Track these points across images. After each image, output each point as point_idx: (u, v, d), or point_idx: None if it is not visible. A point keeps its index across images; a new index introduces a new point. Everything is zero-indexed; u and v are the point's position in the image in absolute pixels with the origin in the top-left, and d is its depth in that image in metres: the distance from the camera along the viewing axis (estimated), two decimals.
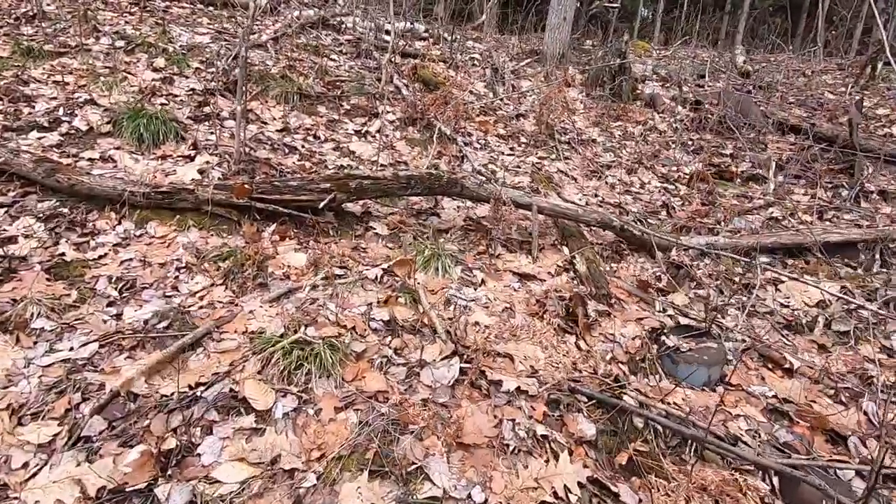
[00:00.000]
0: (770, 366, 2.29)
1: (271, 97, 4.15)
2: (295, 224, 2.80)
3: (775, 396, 2.07)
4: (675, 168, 4.79)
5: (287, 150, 3.55)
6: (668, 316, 2.60)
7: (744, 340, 2.37)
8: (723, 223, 3.67)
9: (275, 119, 3.90)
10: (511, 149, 4.66)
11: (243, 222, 2.70)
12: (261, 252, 2.51)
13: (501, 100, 5.62)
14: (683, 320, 2.56)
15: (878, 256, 3.15)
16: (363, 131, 4.13)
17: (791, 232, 3.19)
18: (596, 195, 4.04)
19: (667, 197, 4.21)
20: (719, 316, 2.53)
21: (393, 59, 5.21)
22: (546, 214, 3.08)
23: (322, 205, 2.75)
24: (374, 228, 2.97)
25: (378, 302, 2.32)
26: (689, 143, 5.34)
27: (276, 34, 5.38)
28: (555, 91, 5.22)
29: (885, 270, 3.09)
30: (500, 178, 3.74)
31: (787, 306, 2.76)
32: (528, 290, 2.66)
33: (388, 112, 4.51)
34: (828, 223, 3.97)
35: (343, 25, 6.16)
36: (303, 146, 3.67)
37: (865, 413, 1.97)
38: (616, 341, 2.29)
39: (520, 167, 4.27)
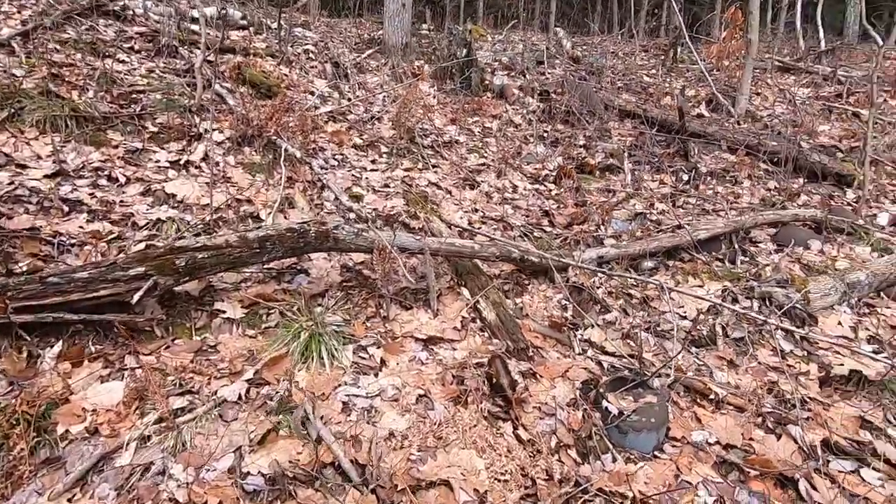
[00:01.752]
0: (697, 398, 2.20)
1: (28, 124, 2.92)
2: (96, 333, 1.91)
3: (718, 442, 1.96)
4: (539, 165, 4.71)
5: (67, 209, 2.49)
6: (590, 358, 2.38)
7: (667, 375, 2.25)
8: (602, 227, 3.63)
9: (40, 159, 2.74)
10: (373, 161, 4.08)
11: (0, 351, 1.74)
12: (40, 398, 1.62)
13: (350, 101, 4.95)
14: (606, 359, 2.36)
15: (737, 247, 3.37)
16: (182, 161, 3.16)
17: (669, 234, 3.25)
18: (476, 209, 3.72)
19: (541, 201, 4.08)
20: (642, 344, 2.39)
21: (208, 57, 4.17)
22: (440, 256, 2.63)
23: (137, 297, 1.90)
24: (223, 311, 2.20)
25: (251, 443, 1.64)
26: (545, 135, 5.34)
27: (26, 26, 3.90)
28: (411, 91, 4.73)
29: (746, 259, 3.31)
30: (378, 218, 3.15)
31: (684, 317, 2.76)
32: (439, 362, 2.19)
33: (215, 130, 3.56)
34: (680, 209, 4.24)
35: (129, 12, 4.79)
36: (92, 197, 2.62)
37: (795, 441, 1.96)
38: (555, 414, 1.97)
39: (388, 185, 3.73)
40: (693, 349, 2.53)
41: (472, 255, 2.66)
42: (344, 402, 1.89)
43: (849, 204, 4.46)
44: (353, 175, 3.74)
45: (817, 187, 4.73)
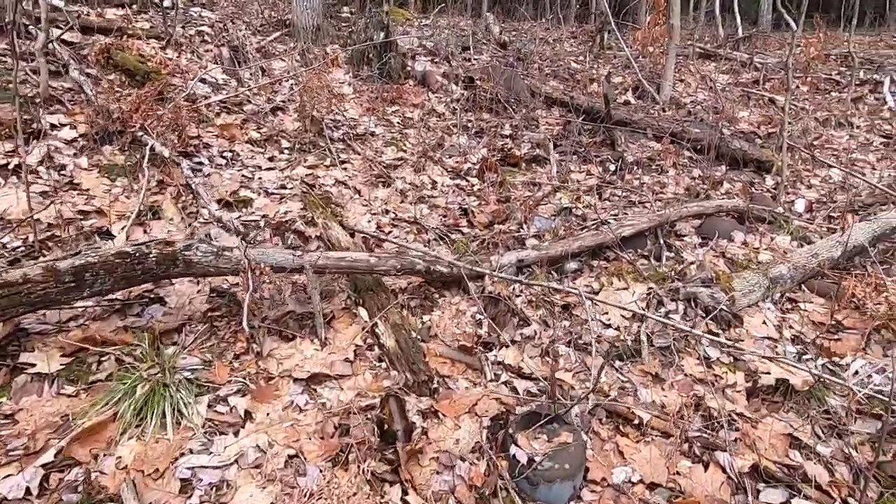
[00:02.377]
0: (621, 424, 1.95)
1: None
2: None
3: (641, 481, 1.72)
4: (461, 158, 4.38)
5: None
6: (504, 384, 2.08)
7: (587, 399, 1.99)
8: (525, 225, 3.35)
9: None
10: (271, 159, 3.59)
11: None
12: None
13: (249, 90, 4.39)
14: (522, 384, 2.07)
15: (662, 242, 3.20)
16: (10, 166, 2.56)
17: (592, 233, 3.01)
18: (387, 211, 3.33)
19: (462, 197, 3.75)
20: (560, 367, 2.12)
21: (55, 39, 3.49)
22: (329, 272, 2.23)
23: None
24: (33, 364, 1.70)
25: None
26: (469, 125, 5.02)
27: None
28: (316, 75, 4.23)
29: (671, 255, 3.15)
30: (252, 233, 2.69)
31: (608, 325, 2.53)
32: (321, 407, 1.81)
33: (64, 126, 2.95)
34: (607, 202, 4.06)
35: None
36: None
37: (724, 470, 1.76)
38: (454, 467, 1.64)
39: (286, 186, 3.27)
40: (617, 363, 2.30)
41: (369, 269, 2.28)
42: (185, 479, 1.47)
43: (768, 191, 4.46)
44: (243, 175, 3.25)
45: (739, 174, 4.72)
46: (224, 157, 3.38)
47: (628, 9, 10.55)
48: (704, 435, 1.88)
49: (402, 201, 3.50)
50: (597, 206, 3.92)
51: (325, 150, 3.88)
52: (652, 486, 1.70)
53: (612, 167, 4.57)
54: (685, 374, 2.23)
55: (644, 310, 2.55)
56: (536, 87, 5.79)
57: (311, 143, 3.91)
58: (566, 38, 8.93)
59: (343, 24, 6.67)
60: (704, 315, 2.55)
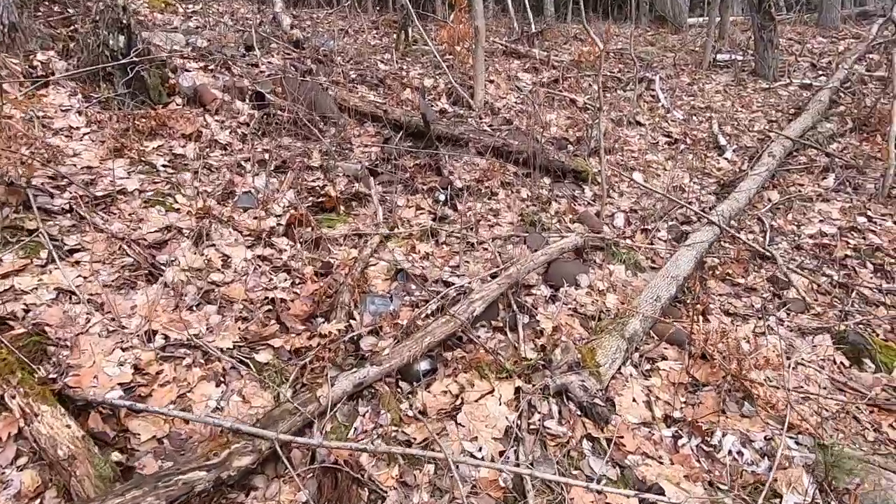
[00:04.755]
0: None
1: None
2: None
3: None
4: (261, 211, 3.42)
5: None
6: None
7: None
8: (356, 313, 2.63)
9: None
10: None
11: None
12: None
13: None
14: None
15: (514, 305, 2.82)
16: None
17: (443, 321, 2.44)
18: (152, 334, 2.26)
19: (267, 279, 2.85)
20: None
21: None
22: None
23: None
24: None
25: None
26: (267, 157, 4.01)
27: None
28: (15, 103, 2.77)
29: (525, 318, 2.78)
30: None
31: (480, 459, 2.01)
32: None
33: None
34: (444, 247, 3.56)
35: None
36: None
37: None
38: None
39: None
40: None
41: None
42: None
43: (590, 204, 4.50)
44: None
45: (561, 187, 4.68)
46: None
47: None
48: None
49: (177, 307, 2.45)
50: (436, 256, 3.40)
51: (34, 236, 2.55)
52: None
53: (442, 197, 4.09)
54: None
55: (517, 427, 2.10)
56: (344, 99, 4.97)
57: (8, 229, 2.54)
58: (368, 30, 8.17)
59: (60, 20, 4.83)
60: (581, 413, 2.21)
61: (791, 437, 2.19)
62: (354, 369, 2.15)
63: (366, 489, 1.82)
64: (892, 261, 3.92)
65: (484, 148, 4.62)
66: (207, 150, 3.92)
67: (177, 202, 3.25)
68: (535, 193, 4.36)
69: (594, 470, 2.01)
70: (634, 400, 2.35)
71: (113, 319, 2.27)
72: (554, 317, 2.79)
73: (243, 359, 2.24)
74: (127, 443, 1.78)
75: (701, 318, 2.90)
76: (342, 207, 3.75)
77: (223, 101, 4.45)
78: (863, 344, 2.86)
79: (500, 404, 2.19)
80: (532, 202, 4.29)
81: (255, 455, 1.66)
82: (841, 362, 2.82)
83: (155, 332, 2.27)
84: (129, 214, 3.01)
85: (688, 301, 3.13)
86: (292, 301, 2.71)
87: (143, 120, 3.85)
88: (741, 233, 4.03)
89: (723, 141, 5.67)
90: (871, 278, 3.74)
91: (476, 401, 2.20)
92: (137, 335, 2.22)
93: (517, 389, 2.26)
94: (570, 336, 2.60)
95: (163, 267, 2.65)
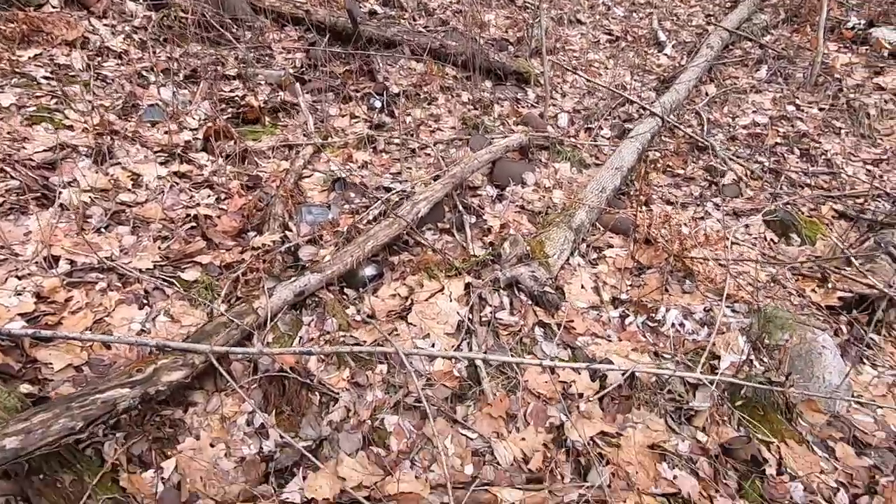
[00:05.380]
0: None
1: None
2: None
3: None
4: (173, 124, 3.03)
5: None
6: None
7: None
8: (292, 223, 2.44)
9: None
10: None
11: None
12: None
13: None
14: None
15: (460, 206, 2.71)
16: None
17: (385, 224, 2.29)
18: (53, 260, 1.99)
19: (187, 196, 2.56)
20: None
21: None
22: None
23: None
24: None
25: None
26: (174, 66, 3.51)
27: None
28: None
29: (472, 219, 2.68)
30: None
31: (433, 359, 1.98)
32: None
33: None
34: (384, 155, 3.35)
35: None
36: None
37: None
38: None
39: None
40: (457, 410, 1.80)
41: None
42: None
43: (533, 106, 4.34)
44: None
45: (503, 90, 4.47)
46: None
47: None
48: (581, 494, 1.55)
49: (82, 230, 2.16)
50: (374, 163, 3.20)
51: None
52: None
53: (378, 104, 3.80)
54: (535, 395, 1.87)
55: (469, 321, 2.07)
56: None
57: None
58: None
59: None
60: (532, 302, 2.20)
61: (728, 307, 2.30)
62: (294, 278, 2.00)
63: (316, 393, 1.74)
64: (817, 146, 4.10)
65: (420, 50, 4.27)
66: (99, 59, 3.37)
67: (67, 118, 2.81)
68: (477, 97, 4.14)
69: (546, 353, 2.03)
70: (583, 287, 2.37)
71: (2, 247, 1.97)
72: (501, 215, 2.72)
73: (167, 278, 2.03)
74: (38, 373, 1.59)
75: (644, 207, 2.92)
76: (267, 118, 3.40)
77: (110, 2, 3.80)
78: (790, 221, 3.01)
79: (450, 301, 2.13)
80: (474, 106, 4.08)
81: (187, 369, 1.52)
82: (771, 239, 2.96)
83: (57, 258, 1.99)
84: (8, 133, 2.57)
85: (631, 193, 3.14)
86: (219, 217, 2.47)
87: (12, 25, 3.23)
88: (681, 126, 4.04)
89: (662, 37, 5.55)
90: (798, 163, 3.91)
91: (426, 300, 2.13)
92: (35, 262, 1.94)
93: (467, 285, 2.21)
94: (518, 231, 2.55)
95: (57, 189, 2.30)
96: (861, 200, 3.41)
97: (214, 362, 1.57)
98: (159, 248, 2.17)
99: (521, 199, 2.90)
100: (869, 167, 3.86)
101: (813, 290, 2.59)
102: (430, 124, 3.79)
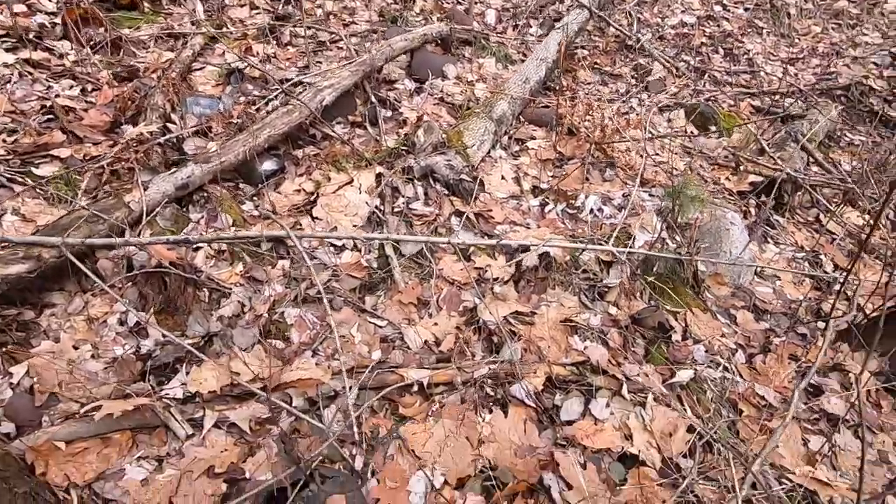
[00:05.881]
0: (398, 404, 1.42)
1: None
2: None
3: (446, 482, 1.27)
4: (22, 4, 2.51)
5: None
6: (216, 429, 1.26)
7: (347, 391, 1.36)
8: (176, 117, 2.12)
9: None
10: None
11: None
12: None
13: None
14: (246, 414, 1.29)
15: (373, 98, 2.47)
16: None
17: (284, 111, 2.03)
18: None
19: (46, 87, 2.16)
20: None
21: None
22: None
23: None
24: None
25: None
26: None
27: None
28: None
29: (388, 112, 2.47)
30: None
31: (341, 249, 1.83)
32: None
33: None
34: (290, 48, 2.98)
35: None
36: None
37: (524, 403, 1.45)
38: None
39: None
40: (366, 299, 1.69)
41: None
42: None
43: (459, 2, 4.01)
44: None
45: None
46: None
47: None
48: (492, 368, 1.51)
49: None
50: (278, 56, 2.84)
51: None
52: (461, 483, 1.28)
53: None
54: (449, 282, 1.79)
55: (381, 212, 1.92)
56: None
57: None
58: None
59: None
60: (448, 192, 2.07)
61: (646, 191, 2.29)
62: (175, 170, 1.74)
63: (205, 290, 1.57)
64: (740, 45, 4.10)
65: None
66: None
67: None
68: None
69: (462, 241, 1.94)
70: (503, 177, 2.26)
71: None
72: (419, 107, 2.52)
73: (16, 174, 1.71)
74: None
75: (570, 102, 2.81)
76: (147, 4, 2.91)
77: None
78: (711, 114, 3.01)
79: (360, 193, 1.96)
80: (395, 1, 3.71)
81: (31, 262, 1.29)
82: (691, 132, 2.96)
83: None
84: None
85: (556, 87, 3.00)
86: (86, 111, 2.11)
87: None
88: (610, 26, 3.89)
89: None
90: (721, 62, 3.90)
91: (333, 192, 1.95)
92: None
93: (378, 176, 2.04)
94: (437, 123, 2.37)
95: None
96: (777, 97, 3.47)
97: (70, 257, 1.34)
98: (5, 141, 1.82)
99: (442, 93, 2.70)
100: (786, 66, 3.93)
101: (727, 179, 2.64)
102: (345, 18, 3.41)
